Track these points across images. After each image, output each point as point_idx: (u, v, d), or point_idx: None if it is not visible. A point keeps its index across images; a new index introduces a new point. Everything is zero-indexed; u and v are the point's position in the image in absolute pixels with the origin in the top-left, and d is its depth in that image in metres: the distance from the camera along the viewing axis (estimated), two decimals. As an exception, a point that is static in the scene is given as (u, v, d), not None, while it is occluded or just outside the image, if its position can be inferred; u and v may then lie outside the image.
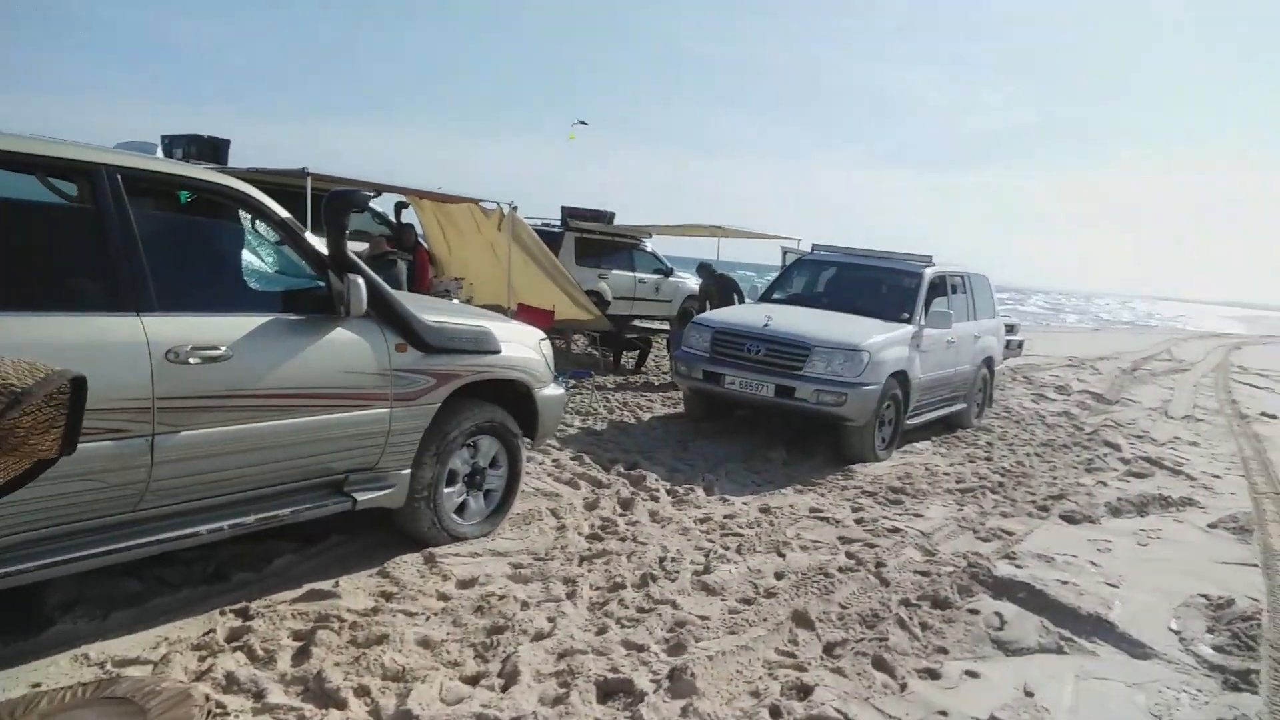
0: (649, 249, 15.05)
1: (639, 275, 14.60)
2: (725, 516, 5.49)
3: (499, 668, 3.30)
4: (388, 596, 3.82)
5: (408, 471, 4.18)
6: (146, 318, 3.14)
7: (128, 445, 3.08)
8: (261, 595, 3.70)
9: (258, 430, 3.49)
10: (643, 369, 11.29)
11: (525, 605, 3.87)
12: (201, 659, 3.15)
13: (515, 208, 9.59)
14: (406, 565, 4.12)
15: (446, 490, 4.44)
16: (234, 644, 3.26)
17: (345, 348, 3.79)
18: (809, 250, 9.87)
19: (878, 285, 8.54)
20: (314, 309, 3.70)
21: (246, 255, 3.71)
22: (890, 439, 7.65)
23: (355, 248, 8.74)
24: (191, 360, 3.23)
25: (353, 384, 3.82)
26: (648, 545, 4.77)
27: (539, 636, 3.58)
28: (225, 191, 3.52)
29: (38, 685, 2.88)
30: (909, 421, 7.90)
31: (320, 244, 3.81)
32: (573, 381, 8.91)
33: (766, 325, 7.50)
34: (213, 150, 9.62)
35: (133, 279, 3.12)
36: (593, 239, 13.69)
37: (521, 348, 4.73)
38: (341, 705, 2.93)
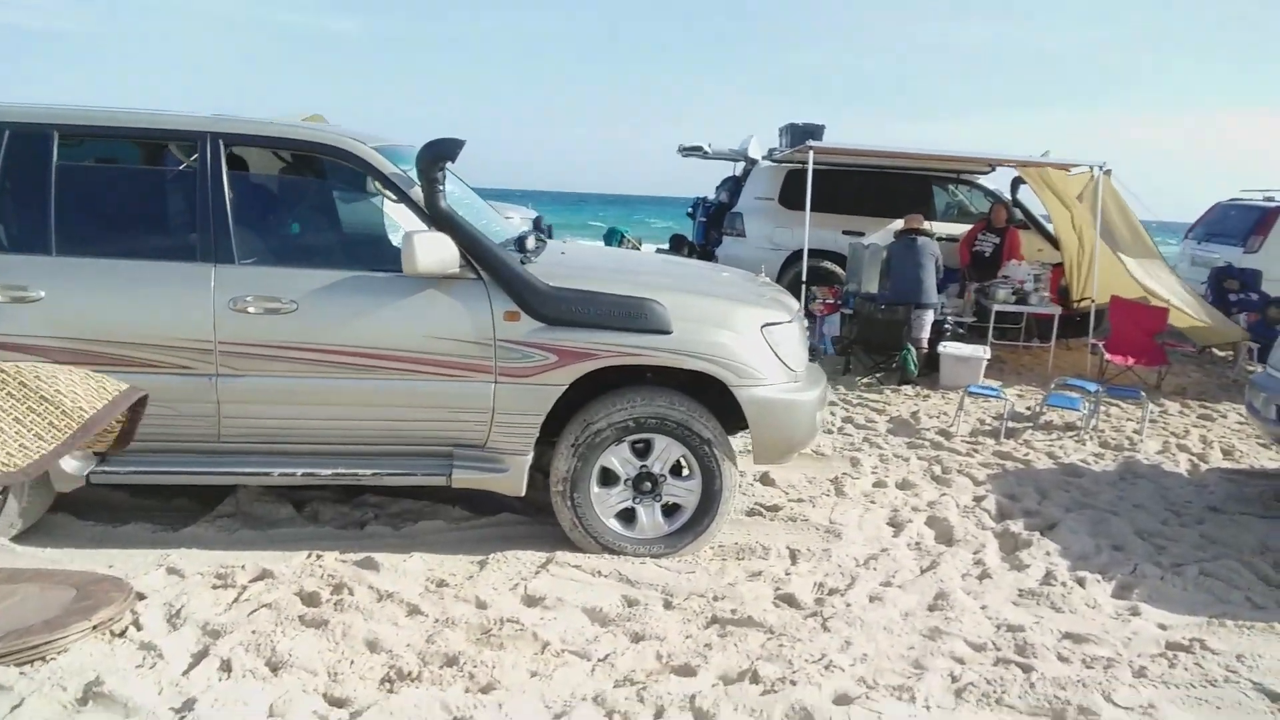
0: None
1: None
2: (1064, 635, 3.29)
3: (370, 699, 2.69)
4: (438, 585, 3.44)
5: (527, 456, 3.66)
6: (221, 267, 3.46)
7: (192, 381, 3.46)
8: (362, 550, 3.71)
9: (327, 386, 3.51)
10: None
11: (543, 648, 3.03)
12: (213, 588, 3.35)
13: (1108, 171, 7.19)
14: (509, 562, 3.62)
15: (598, 490, 3.73)
16: (246, 584, 3.36)
17: (433, 311, 3.51)
18: None
19: None
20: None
21: (342, 212, 3.74)
22: None
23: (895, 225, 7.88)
24: (251, 310, 3.44)
25: (443, 351, 3.52)
26: (829, 637, 3.19)
27: (481, 688, 2.79)
28: (329, 149, 3.60)
29: (111, 566, 3.49)
30: None
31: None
32: (1115, 401, 6.27)
33: None
34: (805, 134, 9.62)
35: (214, 232, 3.47)
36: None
37: (718, 330, 3.63)
38: (185, 670, 2.79)
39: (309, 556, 3.63)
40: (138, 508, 4.20)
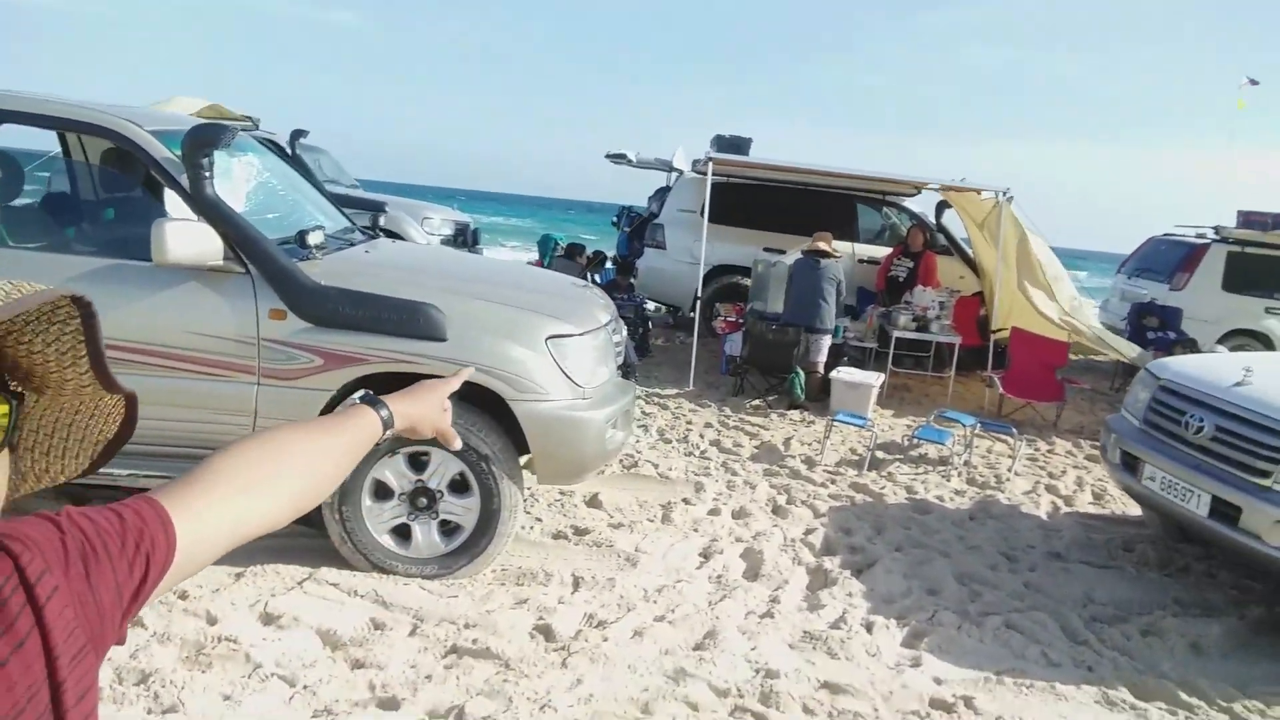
0: None
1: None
2: (823, 685, 3.12)
3: None
4: (180, 596, 3.26)
5: (292, 466, 3.48)
6: (-22, 250, 3.29)
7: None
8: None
9: (78, 378, 3.34)
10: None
11: (252, 672, 2.85)
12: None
13: (1010, 198, 7.06)
14: (266, 576, 3.45)
15: (370, 504, 3.56)
16: None
17: (195, 304, 3.35)
18: None
19: None
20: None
21: (117, 197, 3.57)
22: None
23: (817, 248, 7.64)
24: (-2, 295, 3.26)
25: (204, 348, 3.35)
26: (562, 674, 3.02)
27: (164, 710, 2.62)
28: (100, 130, 3.43)
29: None
30: None
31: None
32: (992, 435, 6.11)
33: (1241, 383, 3.99)
34: (734, 146, 9.47)
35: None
36: (1265, 255, 9.20)
37: (497, 340, 3.47)
38: None
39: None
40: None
